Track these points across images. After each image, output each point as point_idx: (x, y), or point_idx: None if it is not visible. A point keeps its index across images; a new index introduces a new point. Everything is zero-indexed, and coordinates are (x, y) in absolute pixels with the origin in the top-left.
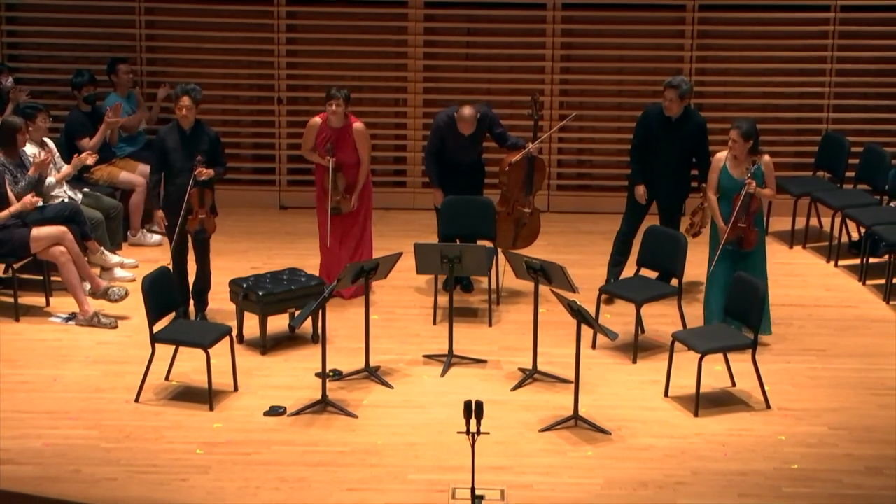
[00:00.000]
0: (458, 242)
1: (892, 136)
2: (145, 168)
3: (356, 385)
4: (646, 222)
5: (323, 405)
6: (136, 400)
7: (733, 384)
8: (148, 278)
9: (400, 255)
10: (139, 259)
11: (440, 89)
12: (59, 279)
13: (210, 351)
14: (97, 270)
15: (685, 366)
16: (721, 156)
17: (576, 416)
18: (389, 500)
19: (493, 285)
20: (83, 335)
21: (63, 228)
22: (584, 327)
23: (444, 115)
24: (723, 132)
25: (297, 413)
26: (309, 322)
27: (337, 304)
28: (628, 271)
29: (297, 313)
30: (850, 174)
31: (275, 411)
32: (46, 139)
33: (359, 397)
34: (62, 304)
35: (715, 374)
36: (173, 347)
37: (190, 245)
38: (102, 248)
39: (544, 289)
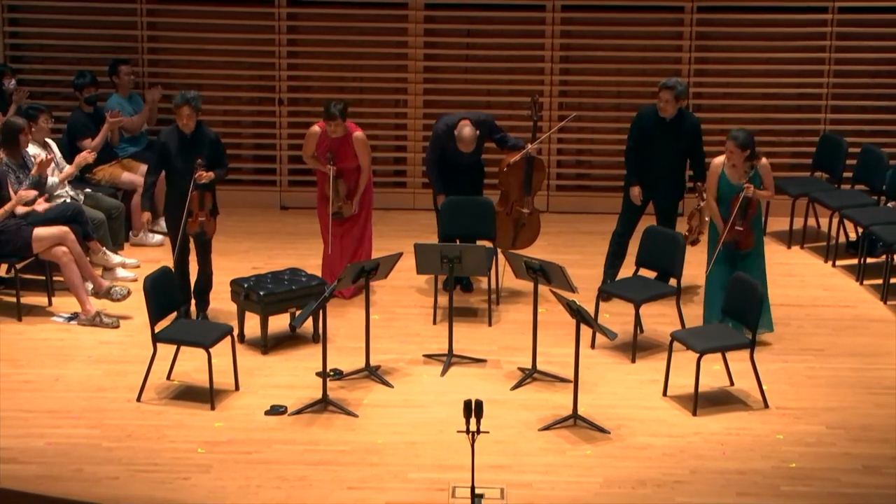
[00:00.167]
0: (457, 242)
1: (890, 136)
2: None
3: (356, 384)
4: (642, 223)
5: (323, 404)
6: (138, 399)
7: (732, 383)
8: (150, 278)
9: (400, 255)
10: (141, 259)
11: (440, 90)
12: (61, 279)
13: (211, 350)
14: (99, 270)
15: (684, 365)
16: (719, 161)
17: (575, 416)
18: (390, 498)
19: (493, 285)
20: (85, 335)
21: (65, 229)
22: (583, 327)
23: (443, 126)
24: (722, 133)
25: (298, 412)
26: (310, 322)
27: (337, 304)
28: (627, 271)
29: (297, 313)
30: (848, 175)
31: (276, 410)
32: (49, 140)
33: (359, 396)
34: (64, 303)
35: (713, 373)
36: (175, 347)
37: (192, 245)
38: (104, 248)
39: (544, 289)
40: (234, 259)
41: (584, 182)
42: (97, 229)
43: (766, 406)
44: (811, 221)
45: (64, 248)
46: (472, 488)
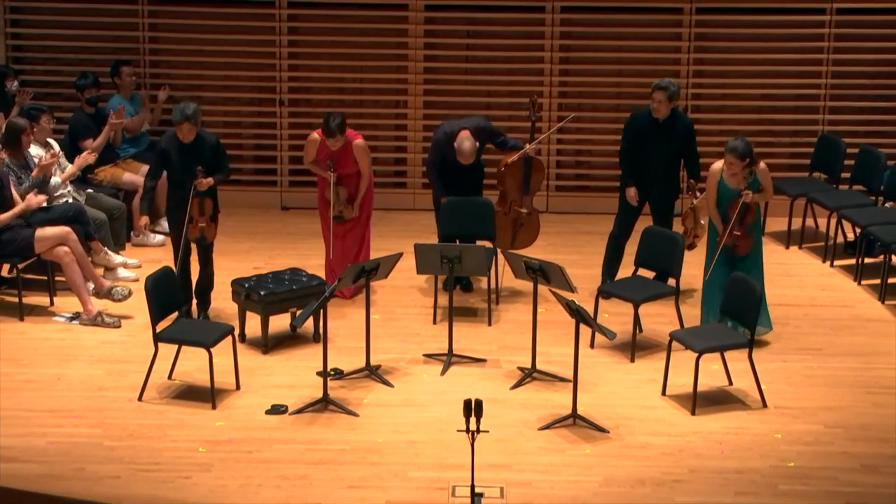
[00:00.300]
0: (457, 243)
1: (888, 137)
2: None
3: (357, 384)
4: (640, 224)
5: (324, 404)
6: (140, 398)
7: (730, 383)
8: (151, 278)
9: (400, 255)
10: (142, 259)
11: (440, 91)
12: (63, 279)
13: (212, 350)
14: (101, 270)
15: (682, 365)
16: (717, 167)
17: (574, 415)
18: (390, 497)
19: (493, 285)
20: (87, 334)
21: (67, 229)
22: (582, 327)
23: (442, 134)
24: (720, 133)
25: (299, 411)
26: (310, 321)
27: (338, 304)
28: (626, 271)
29: (298, 313)
30: (846, 175)
31: (276, 410)
32: (51, 140)
33: (359, 396)
34: (66, 303)
35: (712, 372)
36: (176, 346)
37: (193, 247)
38: (106, 248)
39: (543, 288)
40: (235, 259)
41: (584, 182)
42: (99, 229)
43: (765, 405)
44: (809, 222)
45: (66, 249)
46: (472, 487)
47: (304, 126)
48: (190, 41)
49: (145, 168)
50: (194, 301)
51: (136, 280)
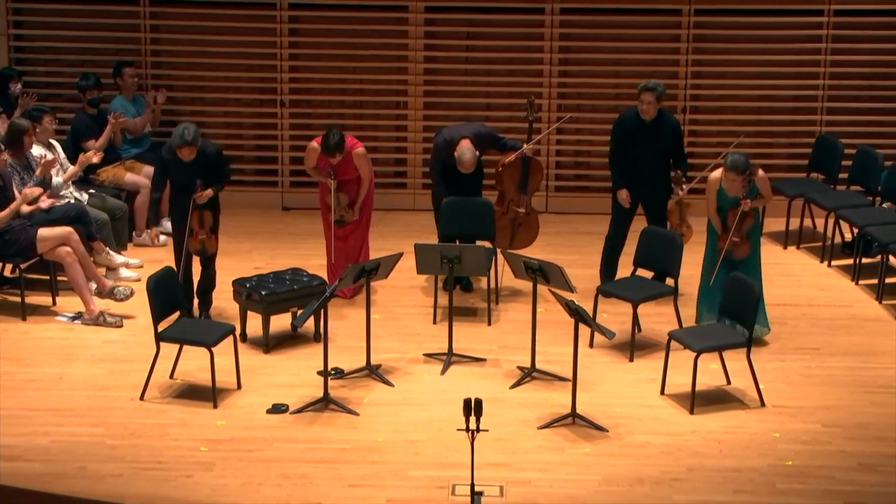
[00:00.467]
0: (457, 243)
1: (885, 137)
2: (150, 170)
3: (357, 383)
4: (636, 224)
5: (325, 403)
6: (141, 398)
7: (728, 382)
8: (153, 278)
9: (400, 255)
10: (144, 259)
11: (440, 92)
12: (65, 279)
13: (214, 350)
14: (103, 270)
15: (681, 364)
16: (715, 177)
17: (573, 414)
18: (390, 496)
19: (493, 285)
20: (89, 334)
21: (69, 229)
22: (581, 326)
23: (442, 140)
24: (718, 134)
25: (300, 411)
26: (311, 321)
27: (338, 304)
28: (624, 271)
29: (299, 312)
30: (844, 176)
31: (277, 409)
32: (53, 141)
33: (360, 395)
34: (68, 303)
35: (710, 372)
36: (178, 346)
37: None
38: (108, 248)
39: (542, 288)
40: (237, 259)
41: (583, 183)
42: (101, 230)
43: (763, 405)
44: (807, 222)
45: (68, 249)
46: (472, 486)
47: (304, 127)
48: (191, 42)
49: (147, 169)
50: (196, 301)
51: (138, 280)
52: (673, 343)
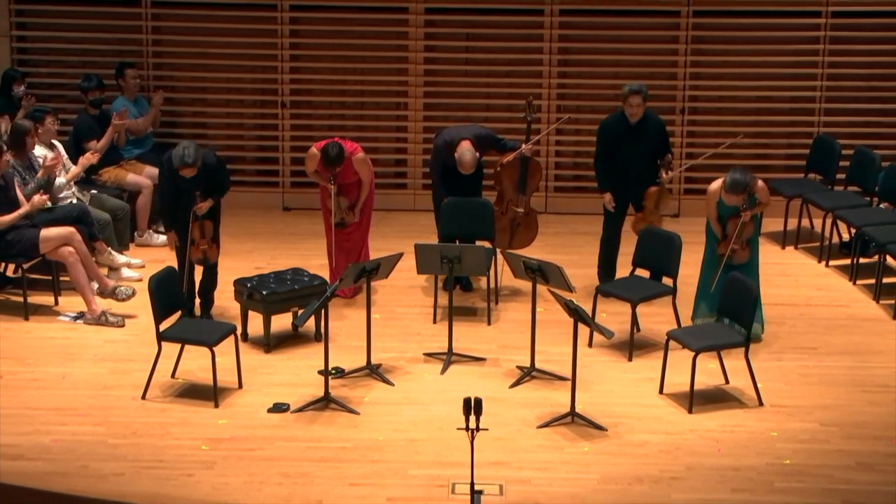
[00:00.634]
0: (457, 243)
1: (882, 138)
2: (152, 170)
3: (358, 382)
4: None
5: (325, 402)
6: (143, 397)
7: (727, 381)
8: (154, 278)
9: (401, 255)
10: (146, 259)
11: (440, 93)
12: (67, 279)
13: (215, 349)
14: (105, 270)
15: (679, 364)
16: (715, 187)
17: (573, 413)
18: (390, 494)
19: (492, 285)
20: (91, 333)
21: (71, 229)
22: (580, 326)
23: (442, 141)
24: (717, 135)
25: (300, 410)
26: (312, 321)
27: (339, 304)
28: (623, 271)
29: (300, 312)
30: (841, 176)
31: (278, 408)
32: (55, 141)
33: (360, 394)
34: (70, 303)
35: (709, 371)
36: (179, 345)
37: None
38: (110, 248)
39: (542, 288)
40: (238, 259)
41: (582, 184)
42: (103, 230)
43: (761, 404)
44: (805, 222)
45: (70, 249)
46: (472, 484)
47: (305, 128)
48: (193, 44)
49: (149, 169)
50: (197, 300)
51: (140, 280)
52: (671, 343)
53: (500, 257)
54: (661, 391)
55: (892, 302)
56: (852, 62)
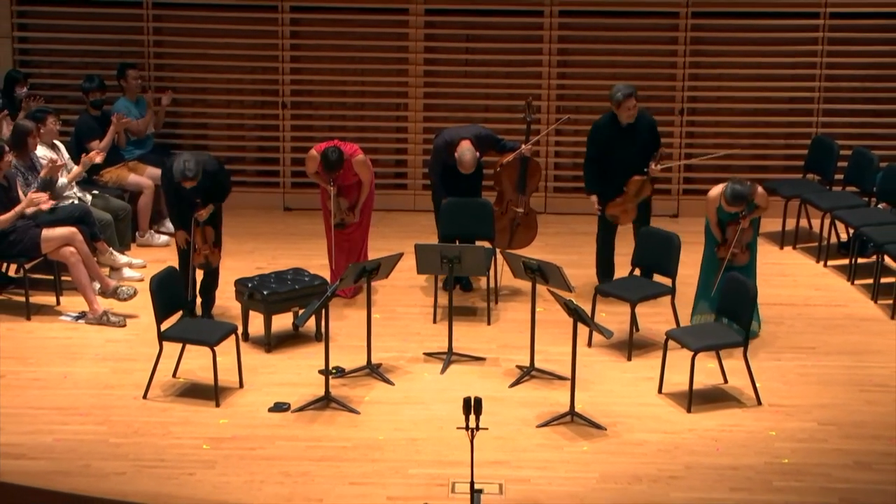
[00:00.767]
0: (457, 243)
1: (880, 139)
2: (153, 171)
3: (358, 382)
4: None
5: (326, 401)
6: (144, 396)
7: (725, 381)
8: (156, 278)
9: (401, 255)
10: (147, 259)
11: (440, 94)
12: (69, 279)
13: (216, 349)
14: (106, 270)
15: (678, 363)
16: (715, 194)
17: (572, 413)
18: (391, 493)
19: (492, 285)
20: (93, 333)
21: (73, 229)
22: (580, 326)
23: (442, 141)
24: (716, 136)
25: (301, 409)
26: (312, 320)
27: (339, 304)
28: (622, 271)
29: (300, 312)
30: (839, 177)
31: (279, 407)
32: (57, 142)
33: (361, 394)
34: (72, 303)
35: (707, 371)
36: (180, 345)
37: None
38: (111, 248)
39: (541, 288)
40: (239, 259)
41: (581, 184)
42: (104, 230)
43: (759, 403)
44: (803, 222)
45: (72, 249)
46: (472, 483)
47: (306, 129)
48: (194, 45)
49: (150, 170)
50: (198, 300)
51: (141, 280)
52: (670, 342)
53: (499, 257)
54: (660, 391)
55: (890, 302)
56: (850, 63)
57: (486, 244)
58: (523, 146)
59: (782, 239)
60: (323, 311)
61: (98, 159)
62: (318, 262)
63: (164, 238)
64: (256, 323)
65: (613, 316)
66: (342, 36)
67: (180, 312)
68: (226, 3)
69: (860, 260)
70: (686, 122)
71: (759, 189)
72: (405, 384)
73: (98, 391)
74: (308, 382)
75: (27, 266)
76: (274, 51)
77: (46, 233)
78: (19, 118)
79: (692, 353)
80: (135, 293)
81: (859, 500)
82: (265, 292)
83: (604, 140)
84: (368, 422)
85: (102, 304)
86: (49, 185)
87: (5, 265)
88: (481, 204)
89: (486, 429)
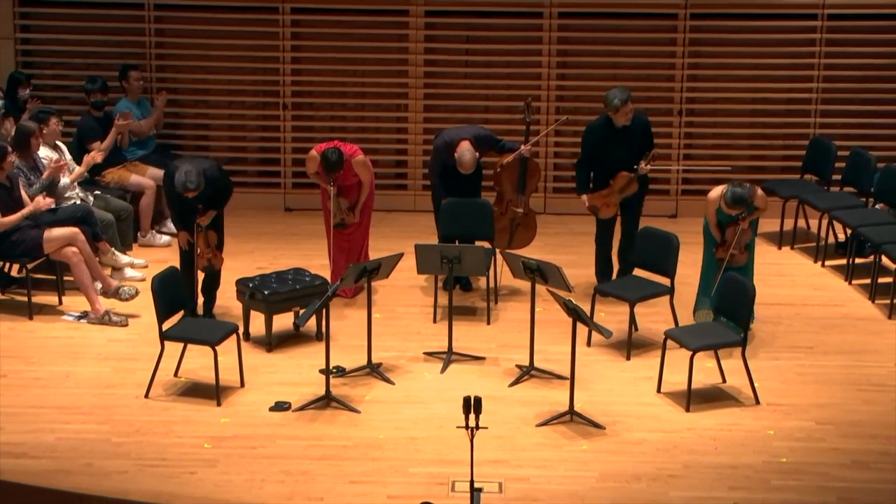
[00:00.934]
0: (457, 243)
1: (878, 139)
2: (155, 171)
3: (359, 381)
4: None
5: (326, 401)
6: (146, 395)
7: (724, 380)
8: (157, 278)
9: (401, 255)
10: (149, 259)
11: (440, 95)
12: (71, 279)
13: (217, 348)
14: (108, 270)
15: (677, 363)
16: (715, 196)
17: (571, 412)
18: (391, 492)
19: (492, 285)
20: (95, 333)
21: (75, 230)
22: (579, 325)
23: (442, 141)
24: (715, 136)
25: (302, 408)
26: (313, 320)
27: (340, 304)
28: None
29: (301, 312)
30: (837, 177)
31: (280, 407)
32: (59, 142)
33: (361, 393)
34: (74, 302)
35: (706, 370)
36: (182, 345)
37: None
38: (113, 248)
39: (541, 288)
40: (240, 259)
41: None
42: (106, 230)
43: (758, 402)
44: (801, 223)
45: (74, 249)
46: (472, 482)
47: (306, 129)
48: (195, 46)
49: (152, 170)
50: (200, 300)
51: (143, 280)
52: (669, 342)
53: (499, 257)
54: (658, 390)
55: (888, 301)
56: (848, 64)
57: (486, 244)
58: (523, 147)
59: (780, 239)
60: (323, 310)
61: (98, 159)
62: (318, 263)
63: (165, 238)
64: (257, 323)
65: (612, 316)
66: (343, 37)
67: (182, 312)
68: (227, 4)
69: (858, 260)
70: (684, 123)
71: (759, 191)
72: (405, 383)
73: (100, 390)
74: (309, 382)
75: (29, 266)
76: (275, 52)
77: (48, 233)
78: (23, 119)
79: (691, 353)
80: (136, 293)
81: (857, 499)
82: (266, 292)
83: (598, 142)
84: (369, 421)
85: (104, 303)
86: (52, 186)
87: (8, 265)
88: (481, 204)
89: (486, 428)
